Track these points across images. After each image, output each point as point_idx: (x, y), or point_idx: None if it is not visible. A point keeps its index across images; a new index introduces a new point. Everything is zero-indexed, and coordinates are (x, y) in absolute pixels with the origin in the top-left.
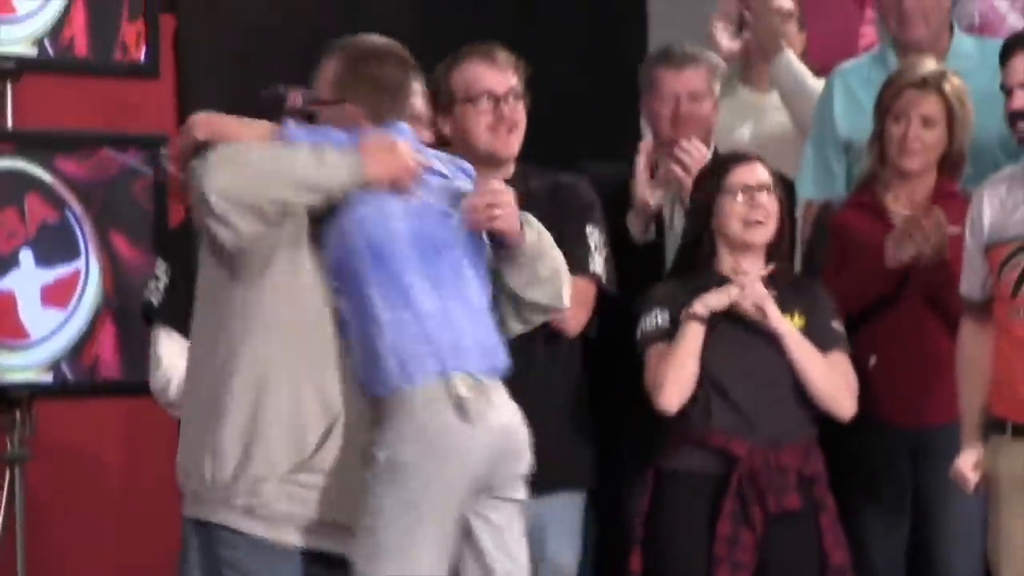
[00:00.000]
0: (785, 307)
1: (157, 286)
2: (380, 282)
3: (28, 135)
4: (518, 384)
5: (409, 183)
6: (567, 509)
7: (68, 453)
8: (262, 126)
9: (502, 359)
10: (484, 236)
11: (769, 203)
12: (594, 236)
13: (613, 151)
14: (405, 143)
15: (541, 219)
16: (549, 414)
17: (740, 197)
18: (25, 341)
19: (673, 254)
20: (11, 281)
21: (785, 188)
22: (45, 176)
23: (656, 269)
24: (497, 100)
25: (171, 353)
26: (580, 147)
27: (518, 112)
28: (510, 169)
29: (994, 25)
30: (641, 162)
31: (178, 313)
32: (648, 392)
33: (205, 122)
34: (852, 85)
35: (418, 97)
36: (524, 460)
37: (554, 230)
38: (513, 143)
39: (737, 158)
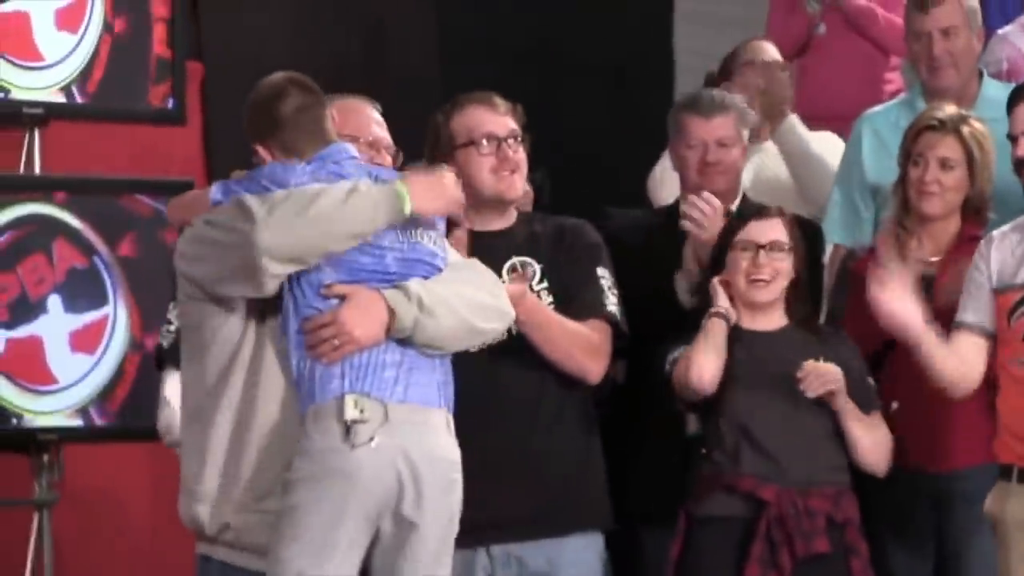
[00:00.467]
0: (814, 354)
1: (168, 329)
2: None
3: (56, 181)
4: (532, 426)
5: (459, 208)
6: (584, 551)
7: (96, 497)
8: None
9: (436, 394)
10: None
11: (776, 262)
12: (605, 278)
13: (638, 200)
14: (449, 175)
15: (547, 263)
16: (563, 456)
17: (745, 254)
18: (53, 386)
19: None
20: (39, 327)
21: (812, 237)
22: (73, 222)
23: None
24: (499, 143)
25: (176, 394)
26: (606, 195)
27: (520, 154)
28: (513, 214)
29: (1022, 70)
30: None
31: None
32: (679, 386)
33: (175, 209)
34: (880, 130)
35: (373, 123)
36: (439, 493)
37: (562, 274)
38: (517, 184)
39: (757, 213)
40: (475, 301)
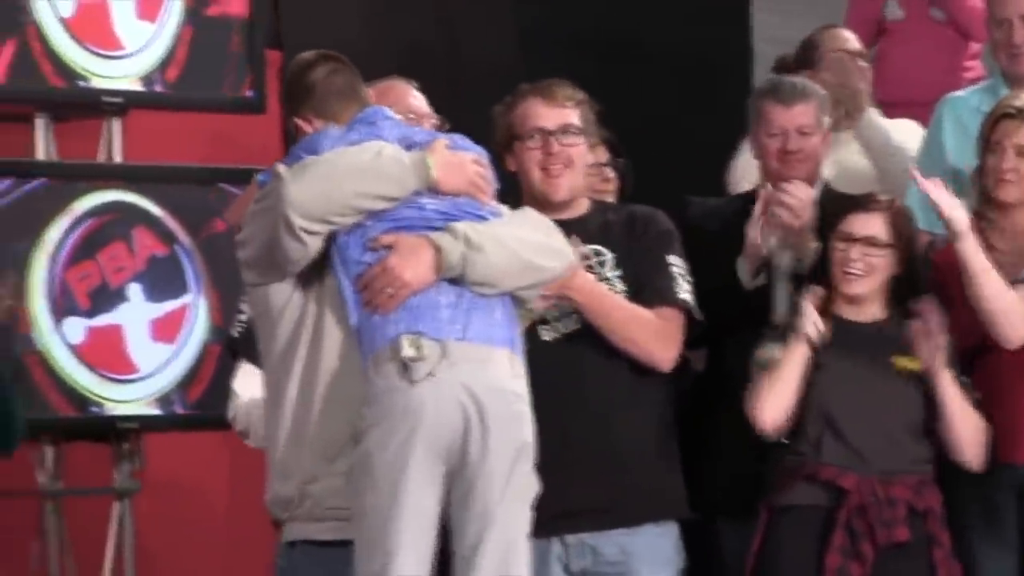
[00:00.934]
0: (906, 349)
1: (240, 320)
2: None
3: (136, 169)
4: (606, 415)
5: (479, 192)
6: (659, 540)
7: (176, 485)
8: None
9: (497, 333)
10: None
11: (870, 257)
12: (677, 265)
13: (716, 189)
14: (470, 157)
15: (620, 251)
16: (637, 445)
17: (841, 245)
18: (134, 375)
19: (780, 299)
20: (120, 315)
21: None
22: (154, 209)
23: (763, 314)
24: (547, 136)
25: (245, 385)
26: (684, 184)
27: (573, 149)
28: (585, 203)
29: None
30: (758, 208)
31: (255, 346)
32: (748, 414)
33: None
34: (961, 115)
35: (409, 97)
36: (505, 423)
37: (634, 262)
38: (561, 184)
39: (857, 205)
40: (526, 239)
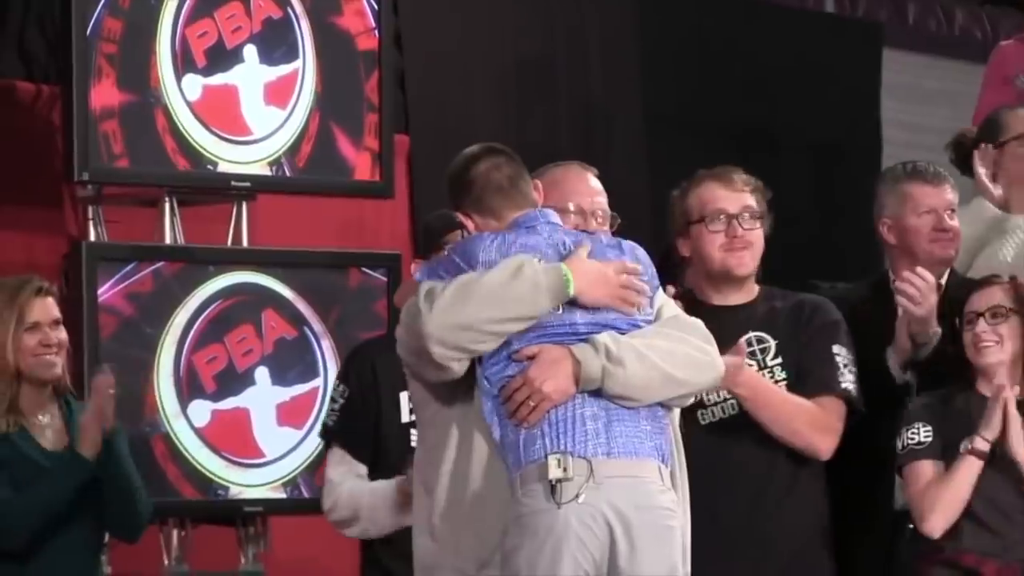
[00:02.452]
0: None
1: (334, 408)
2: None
3: (265, 253)
4: (762, 503)
5: (623, 304)
6: None
7: (301, 568)
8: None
9: (644, 445)
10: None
11: (998, 327)
12: (842, 355)
13: (846, 274)
14: (615, 266)
15: (783, 339)
16: (792, 534)
17: (969, 326)
18: (259, 459)
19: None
20: (247, 399)
21: None
22: (284, 291)
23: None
24: (731, 219)
25: (340, 474)
26: (813, 269)
27: (753, 233)
28: (753, 290)
29: None
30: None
31: (352, 434)
32: (912, 512)
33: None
34: None
35: (577, 193)
36: (653, 542)
37: (799, 350)
38: (747, 261)
39: (980, 283)
40: (672, 351)
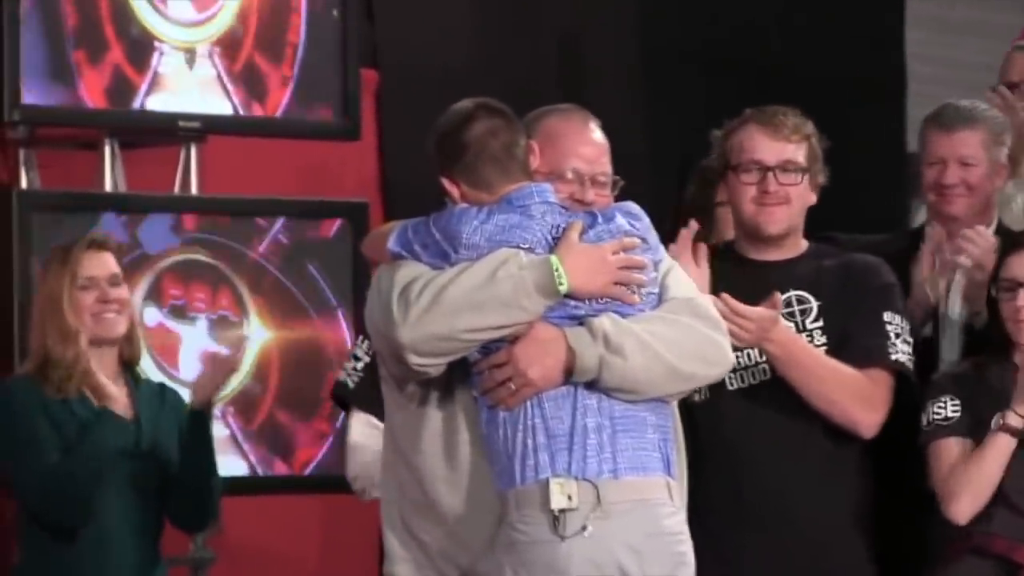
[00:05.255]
0: None
1: (355, 367)
2: None
3: (215, 202)
4: (791, 487)
5: (622, 294)
6: None
7: (255, 554)
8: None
9: (652, 457)
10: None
11: None
12: (894, 323)
13: (871, 224)
14: (611, 247)
15: (829, 301)
16: (829, 519)
17: (1008, 295)
18: None
19: (948, 351)
20: None
21: None
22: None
23: (930, 364)
24: (766, 172)
25: (366, 439)
26: (833, 217)
27: (793, 189)
28: (799, 246)
29: None
30: (926, 249)
31: (376, 395)
32: (937, 495)
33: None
34: None
35: (574, 156)
36: (667, 571)
37: (843, 315)
38: (780, 218)
39: (1014, 245)
40: (676, 340)
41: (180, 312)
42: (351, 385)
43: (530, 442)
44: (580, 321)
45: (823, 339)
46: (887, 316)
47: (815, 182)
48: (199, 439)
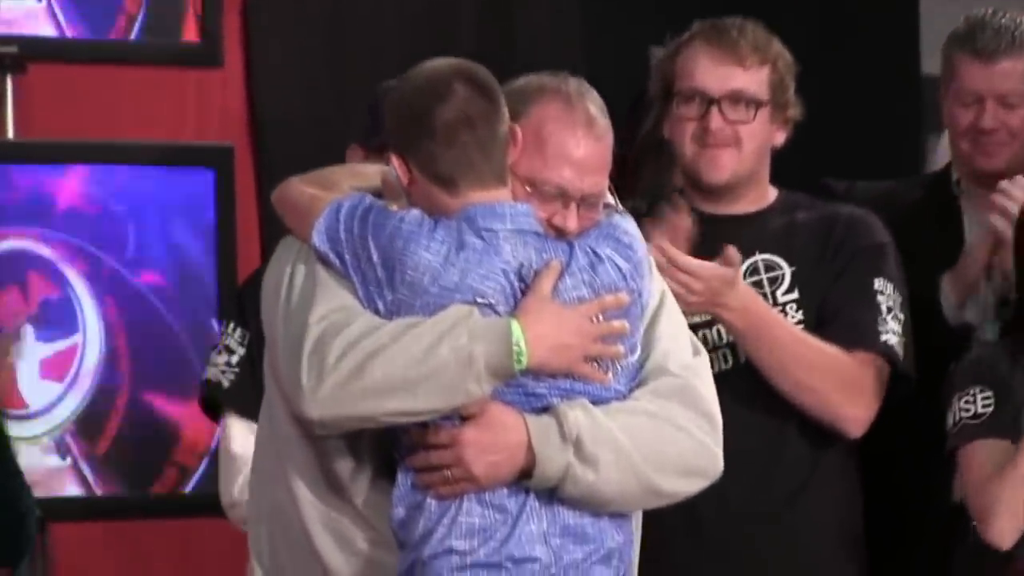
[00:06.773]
0: None
1: (228, 361)
2: None
3: (39, 147)
4: (768, 493)
5: (589, 373)
6: None
7: None
8: (363, 177)
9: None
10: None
11: None
12: (887, 294)
13: (857, 168)
14: (585, 313)
15: (805, 266)
16: (810, 531)
17: None
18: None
19: (989, 333)
20: None
21: None
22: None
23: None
24: (710, 104)
25: (248, 451)
26: (832, 170)
27: (744, 127)
28: (766, 196)
29: None
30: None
31: (258, 396)
32: (969, 511)
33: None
34: None
35: (565, 163)
36: None
37: (823, 283)
38: (726, 163)
39: None
40: (661, 448)
41: None
42: (226, 384)
43: (446, 524)
44: (543, 406)
45: (799, 314)
46: (878, 284)
47: (783, 117)
48: None
